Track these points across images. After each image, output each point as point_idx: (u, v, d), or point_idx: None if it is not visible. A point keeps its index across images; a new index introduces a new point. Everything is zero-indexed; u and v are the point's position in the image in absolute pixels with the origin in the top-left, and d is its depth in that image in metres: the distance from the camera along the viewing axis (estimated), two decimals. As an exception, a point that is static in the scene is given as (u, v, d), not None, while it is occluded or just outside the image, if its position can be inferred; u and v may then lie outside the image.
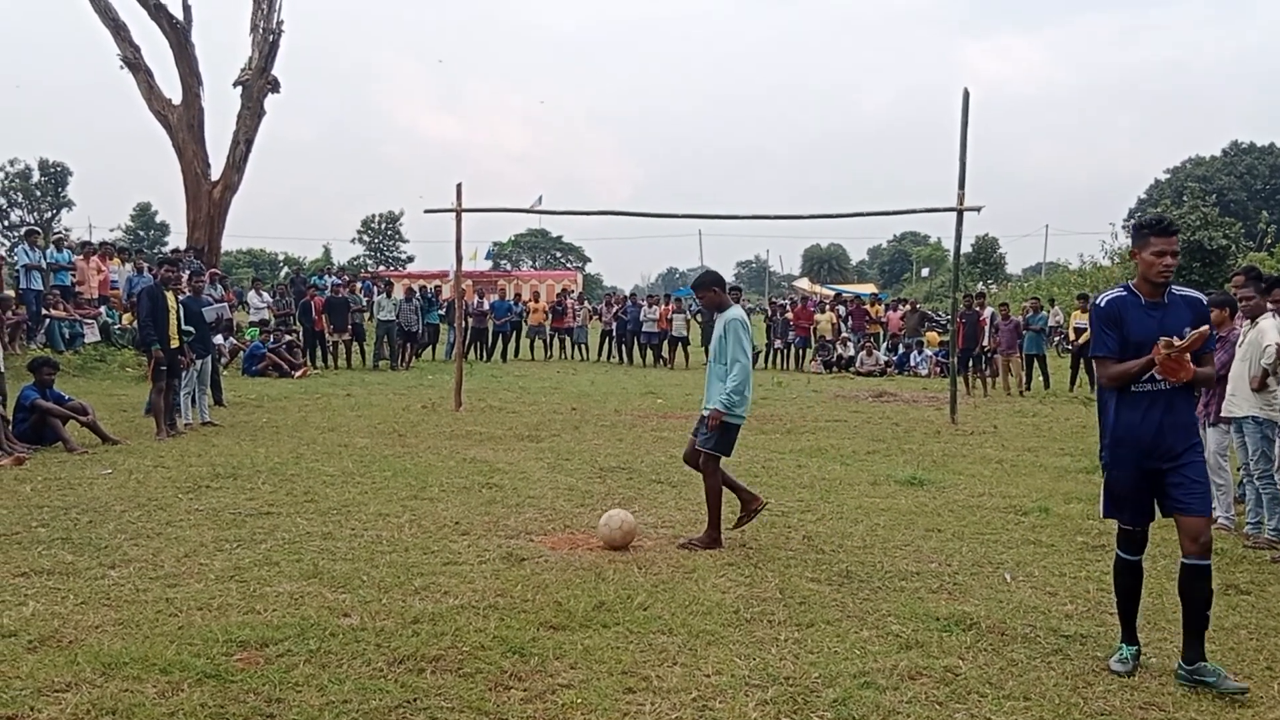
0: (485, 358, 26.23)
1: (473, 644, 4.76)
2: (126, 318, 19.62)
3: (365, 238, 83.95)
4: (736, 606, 5.44)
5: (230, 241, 71.50)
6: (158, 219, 74.95)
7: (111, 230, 68.33)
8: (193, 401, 12.24)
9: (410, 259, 79.98)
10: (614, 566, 6.19)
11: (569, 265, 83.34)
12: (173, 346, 11.28)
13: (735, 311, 6.94)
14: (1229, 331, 7.78)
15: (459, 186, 14.61)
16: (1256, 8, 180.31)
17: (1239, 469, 8.05)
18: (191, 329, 11.75)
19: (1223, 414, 7.57)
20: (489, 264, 57.90)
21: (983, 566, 6.41)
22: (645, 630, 5.01)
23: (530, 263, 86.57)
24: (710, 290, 7.03)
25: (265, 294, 24.31)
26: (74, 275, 19.70)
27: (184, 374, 11.79)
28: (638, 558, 6.43)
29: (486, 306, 26.81)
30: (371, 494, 8.32)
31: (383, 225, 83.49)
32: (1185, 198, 32.96)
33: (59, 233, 23.61)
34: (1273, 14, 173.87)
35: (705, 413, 6.85)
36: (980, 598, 5.70)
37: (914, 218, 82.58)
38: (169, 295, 11.29)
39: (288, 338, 21.13)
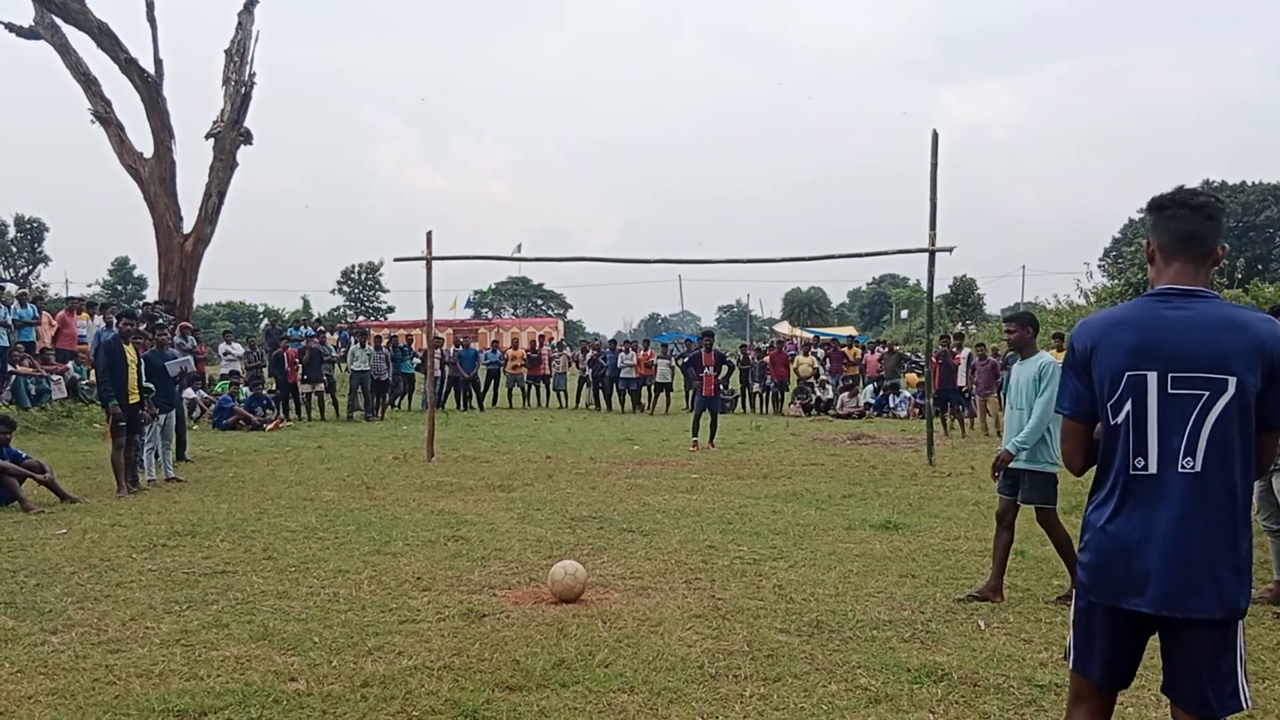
0: (462, 406, 26.04)
1: (423, 708, 4.56)
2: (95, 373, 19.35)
3: (345, 288, 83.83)
4: (702, 661, 5.25)
5: (210, 294, 71.47)
6: (136, 273, 74.69)
7: (90, 285, 67.96)
8: (156, 457, 11.98)
9: (390, 309, 79.92)
10: (577, 621, 5.99)
11: (550, 312, 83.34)
12: (132, 401, 11.04)
13: (1050, 356, 6.68)
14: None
15: (429, 235, 14.56)
16: (1225, 54, 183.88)
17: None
18: (151, 385, 11.50)
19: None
20: (470, 312, 57.86)
21: (956, 613, 6.24)
22: (605, 689, 4.81)
23: (511, 310, 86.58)
24: (1027, 329, 6.79)
25: (237, 345, 24.09)
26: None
27: (146, 429, 11.55)
28: (602, 611, 6.23)
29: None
30: (333, 549, 8.09)
31: (363, 276, 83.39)
32: (1158, 236, 33.16)
33: (24, 290, 23.28)
34: (1241, 60, 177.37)
35: (1021, 468, 6.57)
36: (953, 646, 5.52)
37: (892, 260, 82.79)
38: (128, 349, 11.07)
39: (250, 394, 20.83)
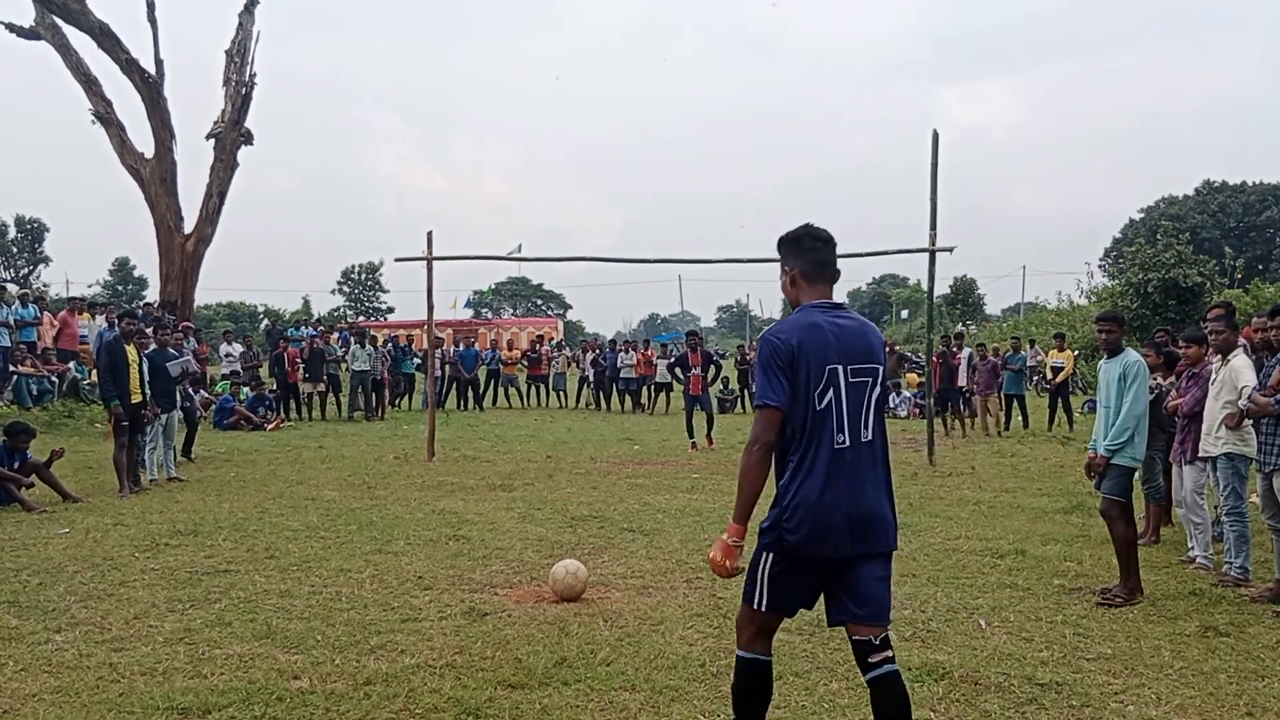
0: (463, 406, 26.07)
1: (426, 705, 4.58)
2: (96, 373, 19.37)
3: (345, 289, 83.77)
4: (703, 659, 5.27)
5: (210, 294, 71.44)
6: (136, 273, 74.67)
7: (90, 286, 67.92)
8: (158, 456, 11.98)
9: (390, 309, 79.86)
10: (578, 620, 6.01)
11: (550, 312, 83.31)
12: (134, 401, 11.06)
13: (1136, 355, 6.77)
14: (1202, 368, 7.72)
15: (429, 235, 14.59)
16: (1225, 55, 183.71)
17: (1215, 507, 7.96)
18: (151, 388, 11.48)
19: (1200, 453, 7.48)
20: (470, 312, 57.85)
21: (957, 612, 6.26)
22: (607, 687, 4.83)
23: (511, 310, 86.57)
24: (1123, 328, 6.92)
25: (237, 346, 24.13)
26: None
27: (148, 429, 11.56)
28: (604, 610, 6.25)
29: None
30: (335, 548, 8.11)
31: (363, 276, 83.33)
32: (1159, 236, 33.17)
33: (25, 290, 23.31)
34: (1241, 61, 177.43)
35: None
36: (954, 645, 5.55)
37: (892, 260, 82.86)
38: (130, 349, 11.09)
39: (252, 394, 20.88)
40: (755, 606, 3.58)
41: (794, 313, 3.65)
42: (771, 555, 3.52)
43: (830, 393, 3.46)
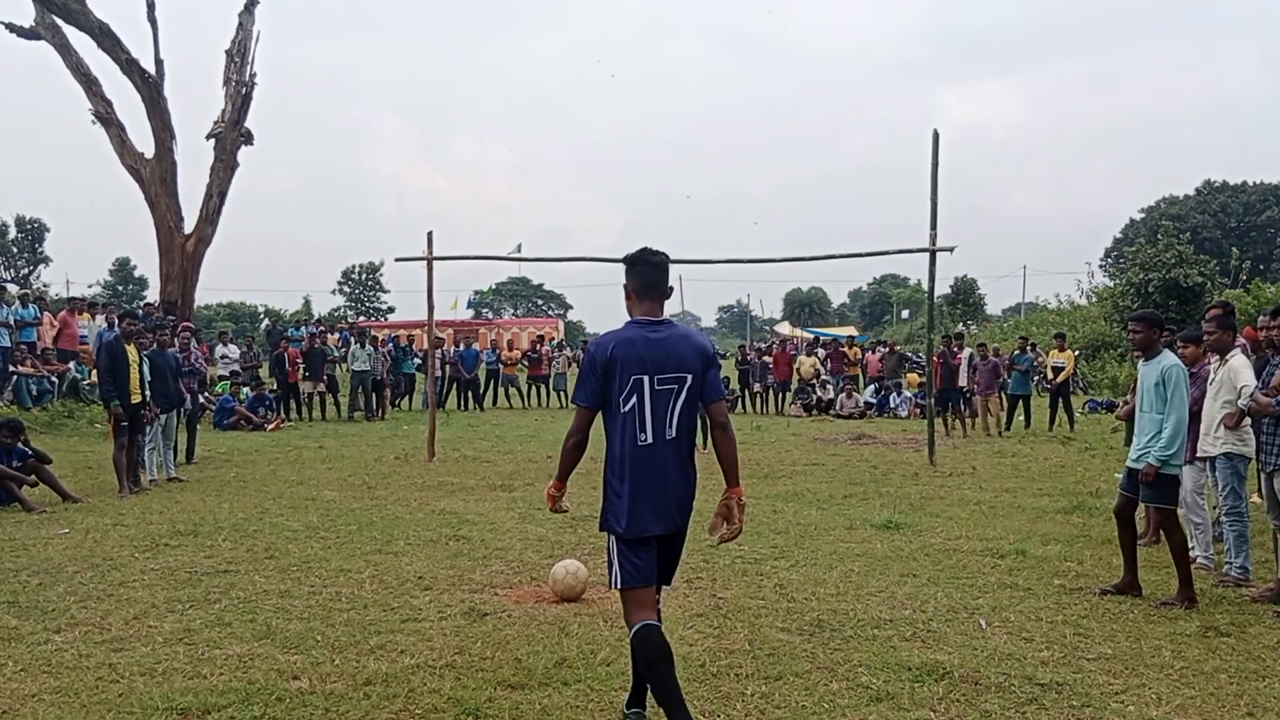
0: (464, 406, 26.07)
1: (425, 706, 4.57)
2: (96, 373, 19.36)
3: (346, 289, 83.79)
4: (703, 660, 5.27)
5: (211, 294, 71.44)
6: (137, 273, 74.70)
7: (90, 286, 67.95)
8: (158, 456, 11.98)
9: (391, 309, 79.88)
10: (579, 620, 6.01)
11: (550, 313, 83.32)
12: (134, 401, 11.06)
13: (1173, 358, 6.64)
14: (1199, 368, 7.71)
15: (430, 235, 14.60)
16: (1225, 55, 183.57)
17: (1215, 507, 7.95)
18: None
19: (1198, 453, 7.47)
20: (470, 313, 57.86)
21: (958, 612, 6.25)
22: (607, 688, 4.83)
23: (511, 310, 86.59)
24: (1153, 329, 6.72)
25: (234, 347, 24.13)
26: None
27: (148, 429, 11.56)
28: (604, 610, 6.24)
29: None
30: (335, 549, 8.10)
31: (363, 276, 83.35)
32: (1160, 236, 33.12)
33: (25, 290, 23.30)
34: (1241, 61, 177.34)
35: (1138, 467, 6.61)
36: (954, 645, 5.54)
37: (893, 260, 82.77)
38: (130, 349, 11.09)
39: (253, 394, 20.88)
40: (615, 587, 4.16)
41: (620, 326, 4.25)
42: (612, 538, 4.15)
43: (634, 399, 4.05)
